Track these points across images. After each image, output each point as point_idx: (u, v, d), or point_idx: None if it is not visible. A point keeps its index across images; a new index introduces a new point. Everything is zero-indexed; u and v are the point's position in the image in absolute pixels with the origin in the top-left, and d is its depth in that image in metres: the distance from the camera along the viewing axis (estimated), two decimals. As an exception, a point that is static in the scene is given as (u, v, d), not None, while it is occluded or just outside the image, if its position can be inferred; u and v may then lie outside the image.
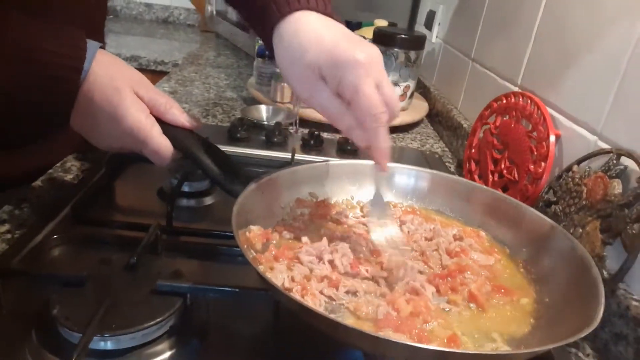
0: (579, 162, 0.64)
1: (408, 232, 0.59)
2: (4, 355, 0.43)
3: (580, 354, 0.53)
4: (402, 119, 1.15)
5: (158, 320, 0.44)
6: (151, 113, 0.54)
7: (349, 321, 0.44)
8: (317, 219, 0.59)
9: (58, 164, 0.77)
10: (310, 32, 0.52)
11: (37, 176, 0.73)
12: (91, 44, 0.51)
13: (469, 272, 0.52)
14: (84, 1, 0.71)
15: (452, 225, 0.61)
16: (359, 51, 0.49)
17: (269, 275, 0.47)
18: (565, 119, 0.71)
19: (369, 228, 0.56)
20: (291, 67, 0.53)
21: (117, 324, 0.43)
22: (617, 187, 0.55)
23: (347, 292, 0.48)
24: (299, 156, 0.87)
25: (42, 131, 0.68)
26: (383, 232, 0.55)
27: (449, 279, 0.50)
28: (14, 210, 0.64)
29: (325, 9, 0.55)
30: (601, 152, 0.61)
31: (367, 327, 0.43)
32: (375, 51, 0.51)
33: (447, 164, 1.00)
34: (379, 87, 0.49)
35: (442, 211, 0.65)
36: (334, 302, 0.47)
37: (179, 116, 0.55)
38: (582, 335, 0.37)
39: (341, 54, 0.49)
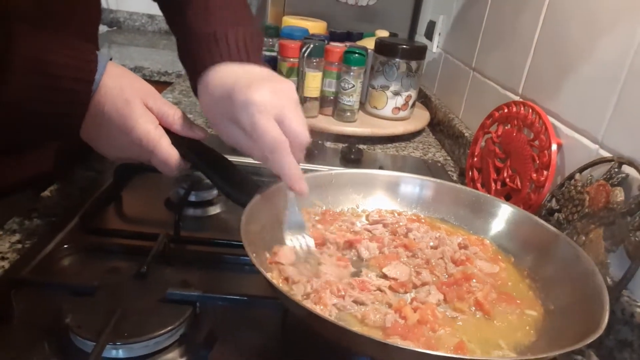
0: (580, 170, 0.65)
1: (414, 238, 0.59)
2: (18, 364, 0.44)
3: (586, 361, 0.54)
4: (404, 127, 1.16)
5: (169, 328, 0.45)
6: (160, 124, 0.55)
7: (356, 329, 0.45)
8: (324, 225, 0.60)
9: (66, 174, 0.78)
10: (217, 80, 0.56)
11: (40, 182, 0.74)
12: (101, 56, 0.52)
13: (474, 280, 0.53)
14: (80, 11, 0.72)
15: (457, 233, 0.62)
16: (253, 92, 0.51)
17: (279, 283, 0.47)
18: (567, 127, 0.72)
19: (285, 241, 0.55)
20: (208, 114, 0.58)
21: (129, 333, 0.44)
22: (619, 195, 0.56)
23: (354, 302, 0.49)
24: (303, 165, 0.87)
25: (52, 140, 0.70)
26: (298, 243, 0.55)
27: (455, 286, 0.51)
28: (24, 221, 0.65)
29: (248, 59, 0.59)
30: (603, 161, 0.61)
31: (375, 335, 0.44)
32: (277, 86, 0.53)
33: (449, 172, 1.01)
34: (280, 121, 0.51)
35: (447, 219, 0.65)
36: (341, 311, 0.47)
37: (187, 127, 0.57)
38: (588, 341, 0.38)
39: (237, 97, 0.52)
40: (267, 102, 0.51)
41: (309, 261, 0.53)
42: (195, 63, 0.59)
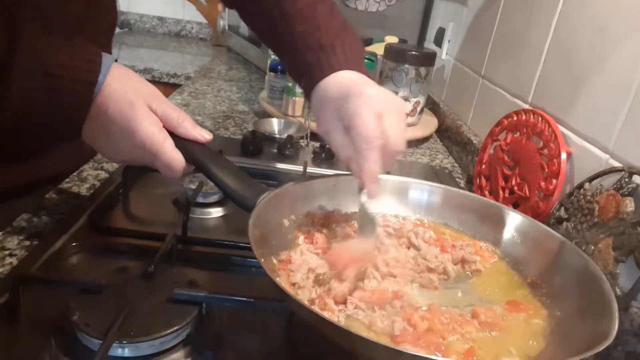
0: (590, 179, 0.64)
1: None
2: (24, 360, 0.44)
3: (593, 372, 0.53)
4: (412, 133, 1.16)
5: (175, 328, 0.45)
6: (164, 127, 0.54)
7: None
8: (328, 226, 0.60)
9: (74, 174, 0.79)
10: (337, 80, 0.61)
11: (46, 185, 0.75)
12: (106, 57, 0.52)
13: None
14: (96, 14, 0.73)
15: (462, 238, 0.62)
16: (368, 87, 0.56)
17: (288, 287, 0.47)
18: (577, 136, 0.72)
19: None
20: (317, 110, 0.62)
21: (135, 331, 0.44)
22: (629, 205, 0.55)
23: (355, 308, 0.48)
24: (310, 169, 0.88)
25: (53, 143, 0.70)
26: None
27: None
28: (32, 219, 0.65)
29: (360, 68, 0.63)
30: (613, 170, 0.61)
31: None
32: (389, 93, 0.58)
33: (457, 179, 1.01)
34: (380, 117, 0.53)
35: (451, 225, 0.65)
36: (348, 317, 0.47)
37: (191, 130, 0.56)
38: (598, 350, 0.37)
39: (353, 90, 0.56)
40: (377, 99, 0.54)
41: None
42: (313, 73, 0.63)
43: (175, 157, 0.53)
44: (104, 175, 0.80)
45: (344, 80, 0.60)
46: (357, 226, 0.57)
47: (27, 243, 0.60)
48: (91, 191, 0.74)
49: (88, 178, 0.78)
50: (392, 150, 0.53)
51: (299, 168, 0.88)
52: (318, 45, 0.64)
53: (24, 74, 0.48)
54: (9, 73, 0.47)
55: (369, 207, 0.55)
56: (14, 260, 0.57)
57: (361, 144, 0.52)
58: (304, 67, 0.65)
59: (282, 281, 0.50)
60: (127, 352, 0.44)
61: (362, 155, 0.52)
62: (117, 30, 2.32)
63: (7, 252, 0.58)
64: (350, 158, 0.55)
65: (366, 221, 0.55)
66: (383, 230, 0.62)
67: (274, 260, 0.53)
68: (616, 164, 0.62)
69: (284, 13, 0.68)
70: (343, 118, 0.55)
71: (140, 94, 0.53)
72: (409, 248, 0.60)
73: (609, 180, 0.61)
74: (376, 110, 0.53)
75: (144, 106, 0.53)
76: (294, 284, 0.50)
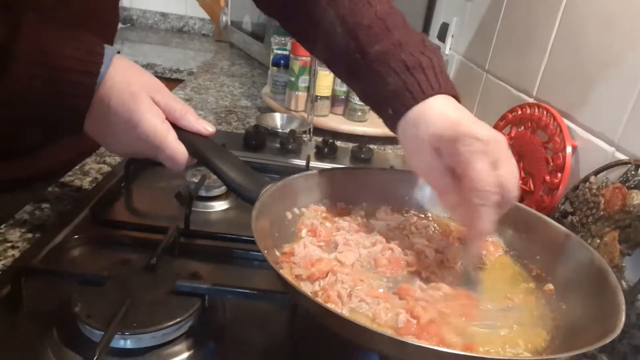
0: (596, 173, 0.64)
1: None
2: (27, 352, 0.44)
3: (598, 366, 0.53)
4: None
5: (178, 320, 0.45)
6: (167, 119, 0.54)
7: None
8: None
9: (77, 167, 0.79)
10: (436, 110, 0.52)
11: (49, 178, 0.74)
12: (108, 49, 0.51)
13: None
14: (99, 9, 0.72)
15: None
16: (480, 129, 0.49)
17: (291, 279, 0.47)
18: (582, 129, 0.71)
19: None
20: (412, 142, 0.54)
21: (137, 323, 0.44)
22: (635, 197, 0.55)
23: (360, 301, 0.48)
24: (313, 163, 0.87)
25: (55, 135, 0.69)
26: None
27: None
28: (35, 211, 0.65)
29: (453, 89, 0.56)
30: (619, 163, 0.61)
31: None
32: (499, 135, 0.50)
33: (460, 174, 1.00)
34: (495, 166, 0.47)
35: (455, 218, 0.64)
36: (352, 309, 0.47)
37: (195, 122, 0.55)
38: (605, 342, 0.37)
39: (462, 129, 0.49)
40: (492, 143, 0.48)
41: None
42: (401, 98, 0.54)
43: (178, 150, 0.53)
44: (106, 168, 0.80)
45: (446, 112, 0.52)
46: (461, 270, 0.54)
47: (30, 235, 0.60)
48: (93, 184, 0.74)
49: (90, 171, 0.78)
50: (507, 202, 0.48)
51: (302, 162, 0.87)
52: (403, 67, 0.55)
53: (26, 64, 0.47)
54: (10, 63, 0.47)
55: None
56: (16, 253, 0.56)
57: (476, 199, 0.46)
58: (387, 94, 0.55)
59: (286, 273, 0.50)
60: (129, 344, 0.44)
61: (476, 212, 0.47)
62: (120, 25, 2.32)
63: (9, 245, 0.58)
64: (456, 204, 0.50)
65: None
66: (385, 225, 0.61)
67: (277, 253, 0.53)
68: (622, 157, 0.61)
69: (349, 30, 0.59)
70: (451, 162, 0.49)
71: (143, 85, 0.52)
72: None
73: (615, 173, 0.61)
74: (491, 158, 0.47)
75: (147, 98, 0.52)
76: (296, 277, 0.49)
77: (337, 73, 0.67)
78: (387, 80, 0.55)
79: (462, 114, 0.52)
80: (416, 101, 0.53)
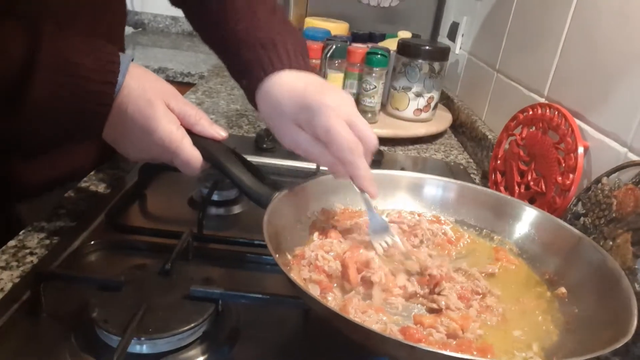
0: (608, 174, 0.63)
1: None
2: (46, 357, 0.45)
3: (612, 369, 0.52)
4: (426, 129, 1.15)
5: (193, 325, 0.46)
6: (181, 124, 0.55)
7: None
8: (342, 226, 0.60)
9: (92, 173, 0.80)
10: (285, 85, 0.59)
11: (66, 182, 0.76)
12: (124, 57, 0.53)
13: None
14: (107, 11, 0.74)
15: (478, 242, 0.62)
16: (326, 96, 0.54)
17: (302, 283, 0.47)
18: (594, 130, 0.71)
19: (374, 246, 0.57)
20: (272, 119, 0.60)
21: (153, 328, 0.45)
22: (648, 199, 0.54)
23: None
24: (323, 167, 0.88)
25: (74, 142, 0.71)
26: (386, 245, 0.57)
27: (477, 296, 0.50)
28: (52, 218, 0.66)
29: (305, 67, 0.62)
30: (631, 164, 0.60)
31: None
32: (343, 95, 0.57)
33: (472, 175, 1.00)
34: (351, 125, 0.53)
35: (467, 221, 0.64)
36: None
37: (208, 128, 0.57)
38: (617, 346, 0.37)
39: (311, 101, 0.55)
40: (341, 106, 0.54)
41: (396, 259, 0.56)
42: (254, 71, 0.61)
43: (193, 155, 0.55)
44: (120, 174, 0.81)
45: (294, 87, 0.58)
46: (370, 229, 0.58)
47: (47, 242, 0.61)
48: (108, 190, 0.75)
49: (105, 177, 0.79)
50: (370, 149, 0.55)
51: (312, 166, 0.88)
52: (259, 44, 0.63)
53: (47, 75, 0.49)
54: (33, 74, 0.48)
55: (373, 203, 0.57)
56: (35, 259, 0.58)
57: (347, 157, 0.53)
58: (244, 67, 0.63)
59: (296, 276, 0.50)
60: (145, 349, 0.45)
61: (352, 165, 0.53)
62: (132, 30, 2.35)
63: (27, 251, 0.59)
64: (333, 164, 0.55)
65: (375, 218, 0.57)
66: (398, 227, 0.62)
67: (288, 256, 0.53)
68: (635, 158, 0.61)
69: (224, 11, 0.67)
70: (313, 133, 0.55)
71: (158, 92, 0.54)
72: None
73: (627, 174, 0.60)
74: (345, 119, 0.53)
75: (162, 104, 0.54)
76: (305, 279, 0.50)
77: (212, 48, 0.74)
78: (243, 55, 0.63)
79: (308, 83, 0.58)
80: (266, 74, 0.60)
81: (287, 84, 0.59)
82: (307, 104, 0.55)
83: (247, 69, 0.63)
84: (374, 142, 0.55)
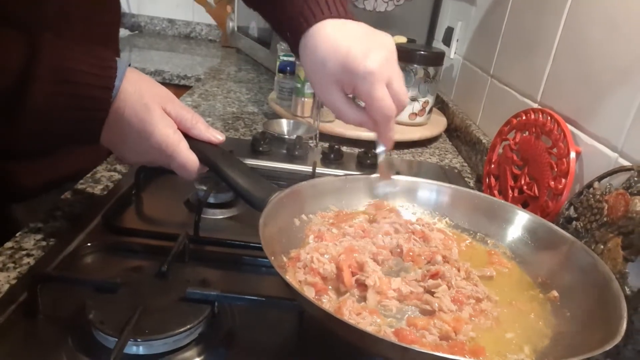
0: (599, 178, 0.64)
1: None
2: (42, 358, 0.45)
3: (603, 371, 0.53)
4: (421, 133, 1.16)
5: (189, 326, 0.46)
6: (178, 128, 0.56)
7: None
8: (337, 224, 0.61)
9: (88, 175, 0.80)
10: (328, 42, 0.60)
11: (64, 184, 0.76)
12: (120, 62, 0.53)
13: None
14: (100, 15, 0.74)
15: (474, 247, 0.62)
16: (369, 60, 0.56)
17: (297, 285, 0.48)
18: (586, 135, 0.72)
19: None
20: (314, 74, 0.62)
21: (149, 330, 0.45)
22: (638, 204, 0.55)
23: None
24: (319, 170, 0.88)
25: (72, 146, 0.71)
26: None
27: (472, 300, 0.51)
28: (48, 219, 0.67)
29: (345, 14, 0.63)
30: (622, 169, 0.61)
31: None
32: (385, 49, 0.59)
33: (466, 179, 1.01)
34: (389, 84, 0.57)
35: (461, 225, 0.65)
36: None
37: (205, 131, 0.58)
38: (606, 348, 0.38)
39: (355, 66, 0.57)
40: (383, 71, 0.57)
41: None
42: (296, 22, 0.62)
43: (190, 158, 0.55)
44: (117, 176, 0.81)
45: (338, 46, 0.58)
46: (379, 172, 0.65)
47: (44, 243, 0.61)
48: (105, 192, 0.76)
49: (102, 179, 0.80)
50: (400, 109, 0.59)
51: (308, 169, 0.88)
52: None
53: (45, 82, 0.49)
54: (31, 81, 0.48)
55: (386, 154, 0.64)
56: (31, 260, 0.58)
57: (381, 120, 0.58)
58: (286, 19, 0.64)
59: (290, 277, 0.51)
60: (141, 350, 0.45)
61: (384, 127, 0.59)
62: (128, 32, 2.35)
63: (24, 252, 0.59)
64: (362, 122, 0.60)
65: (387, 166, 0.65)
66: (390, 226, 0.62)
67: (284, 259, 0.54)
68: (625, 163, 0.62)
69: None
70: (352, 93, 0.59)
71: (155, 96, 0.55)
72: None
73: (618, 180, 0.61)
74: (385, 80, 0.57)
75: (159, 109, 0.54)
76: (300, 282, 0.51)
77: (252, 6, 0.76)
78: (285, 7, 0.64)
79: (351, 40, 0.59)
80: (309, 24, 0.61)
81: (330, 40, 0.60)
82: (351, 68, 0.57)
83: (289, 21, 0.63)
84: (404, 103, 0.60)
